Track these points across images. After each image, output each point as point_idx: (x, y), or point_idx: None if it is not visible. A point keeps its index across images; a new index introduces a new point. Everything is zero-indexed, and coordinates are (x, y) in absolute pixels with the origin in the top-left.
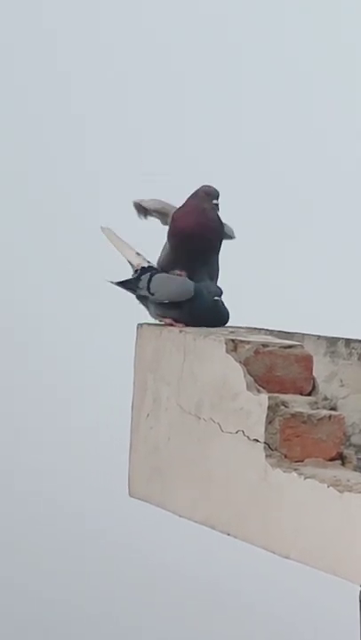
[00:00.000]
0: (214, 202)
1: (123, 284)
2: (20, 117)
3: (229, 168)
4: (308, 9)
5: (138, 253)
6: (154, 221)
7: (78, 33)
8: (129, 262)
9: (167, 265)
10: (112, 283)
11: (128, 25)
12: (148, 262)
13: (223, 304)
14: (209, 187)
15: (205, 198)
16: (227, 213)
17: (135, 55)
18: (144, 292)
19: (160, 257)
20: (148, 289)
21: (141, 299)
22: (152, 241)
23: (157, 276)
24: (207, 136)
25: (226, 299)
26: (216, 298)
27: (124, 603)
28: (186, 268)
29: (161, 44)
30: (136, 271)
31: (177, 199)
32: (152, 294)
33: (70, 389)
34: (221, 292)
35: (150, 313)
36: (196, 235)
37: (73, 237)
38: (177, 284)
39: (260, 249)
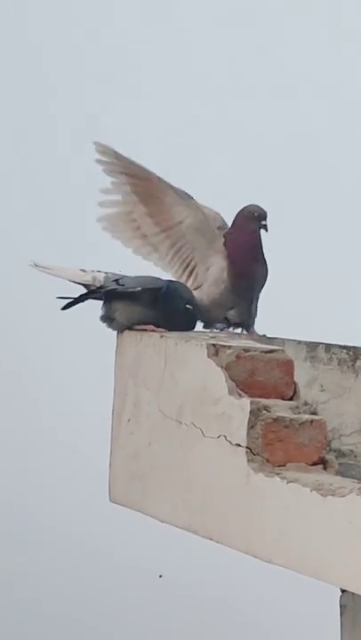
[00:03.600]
0: (263, 223)
1: (83, 296)
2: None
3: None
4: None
5: (83, 270)
6: None
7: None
8: (77, 283)
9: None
10: (72, 300)
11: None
12: (103, 271)
13: (194, 311)
14: (257, 207)
15: (253, 220)
16: None
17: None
18: (112, 286)
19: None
20: (117, 282)
21: (107, 316)
22: None
23: (123, 278)
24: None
25: None
26: (188, 306)
27: (104, 610)
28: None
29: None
30: (99, 287)
31: None
32: (121, 285)
33: (50, 395)
34: (193, 301)
35: (120, 328)
36: (256, 254)
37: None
38: (146, 276)
39: None
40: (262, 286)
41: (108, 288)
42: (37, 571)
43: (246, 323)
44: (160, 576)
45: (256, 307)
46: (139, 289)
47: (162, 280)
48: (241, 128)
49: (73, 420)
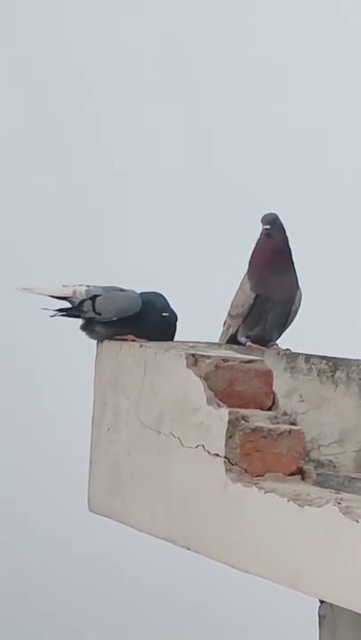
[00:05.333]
0: (264, 227)
1: (66, 311)
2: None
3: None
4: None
5: (64, 285)
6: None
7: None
8: (61, 298)
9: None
10: (54, 313)
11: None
12: (84, 285)
13: (172, 319)
14: (264, 215)
15: (262, 227)
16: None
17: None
18: (90, 314)
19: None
20: (94, 310)
21: (87, 327)
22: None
23: (101, 297)
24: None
25: (187, 313)
26: (164, 314)
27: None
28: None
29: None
30: (83, 300)
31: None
32: (98, 314)
33: (31, 405)
34: (170, 309)
35: (100, 338)
36: (272, 260)
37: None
38: (123, 299)
39: (219, 259)
40: (288, 295)
41: (87, 316)
42: (26, 574)
43: (267, 337)
44: None
45: (279, 320)
46: (114, 319)
47: (137, 299)
48: (240, 129)
49: (54, 428)
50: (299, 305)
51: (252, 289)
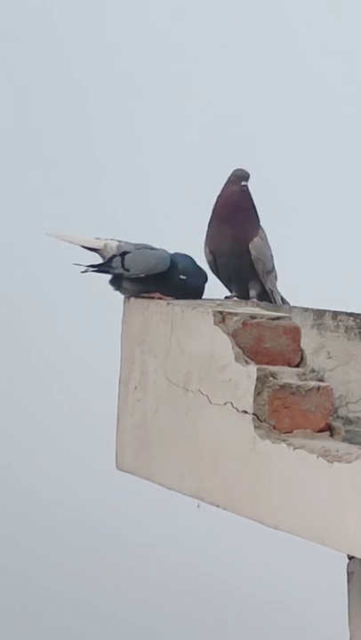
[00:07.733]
0: (243, 183)
1: (95, 267)
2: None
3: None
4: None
5: (97, 237)
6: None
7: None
8: (93, 250)
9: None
10: (85, 269)
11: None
12: (116, 240)
13: (196, 281)
14: (239, 170)
15: (235, 181)
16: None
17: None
18: (119, 270)
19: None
20: (123, 266)
21: (115, 282)
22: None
23: (130, 254)
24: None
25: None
26: (182, 277)
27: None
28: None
29: (163, 43)
30: (113, 256)
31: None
32: (127, 270)
33: (57, 365)
34: (193, 271)
35: (127, 294)
36: (226, 213)
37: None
38: (152, 257)
39: None
40: (238, 247)
41: (116, 272)
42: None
43: (241, 291)
44: (198, 506)
45: (239, 274)
46: (142, 275)
47: (166, 258)
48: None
49: (81, 388)
50: (264, 254)
51: (206, 245)
